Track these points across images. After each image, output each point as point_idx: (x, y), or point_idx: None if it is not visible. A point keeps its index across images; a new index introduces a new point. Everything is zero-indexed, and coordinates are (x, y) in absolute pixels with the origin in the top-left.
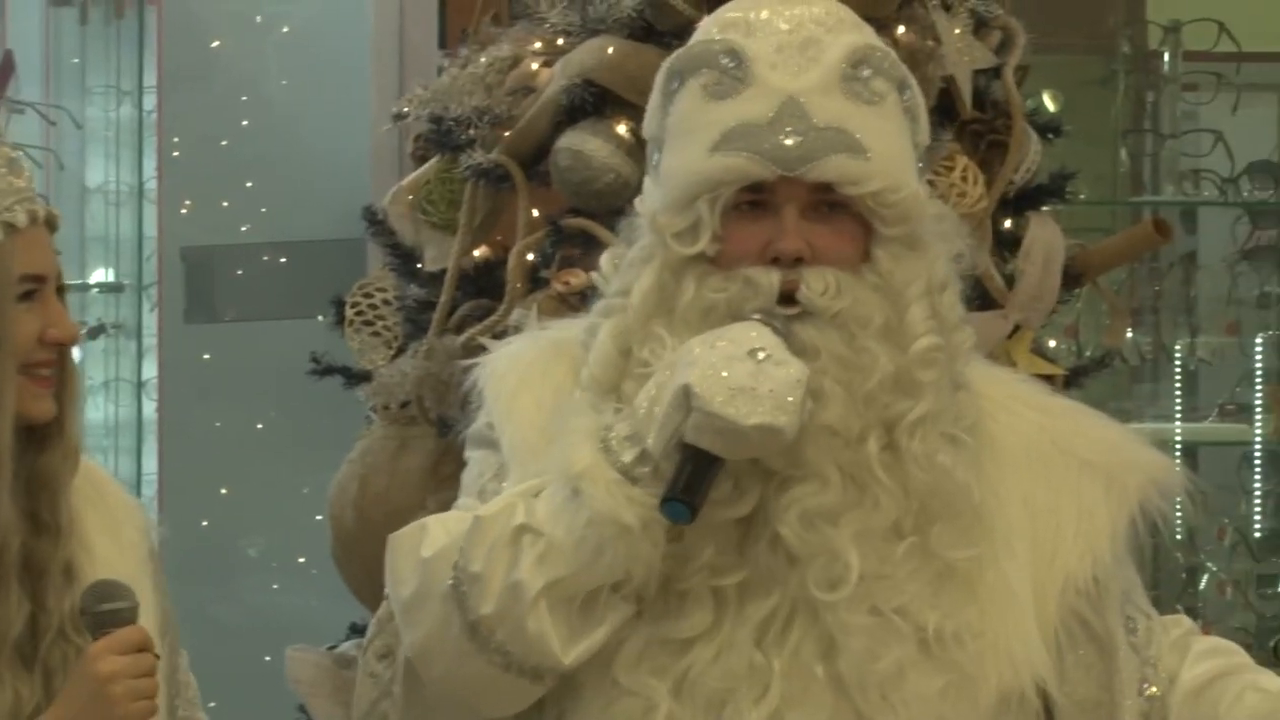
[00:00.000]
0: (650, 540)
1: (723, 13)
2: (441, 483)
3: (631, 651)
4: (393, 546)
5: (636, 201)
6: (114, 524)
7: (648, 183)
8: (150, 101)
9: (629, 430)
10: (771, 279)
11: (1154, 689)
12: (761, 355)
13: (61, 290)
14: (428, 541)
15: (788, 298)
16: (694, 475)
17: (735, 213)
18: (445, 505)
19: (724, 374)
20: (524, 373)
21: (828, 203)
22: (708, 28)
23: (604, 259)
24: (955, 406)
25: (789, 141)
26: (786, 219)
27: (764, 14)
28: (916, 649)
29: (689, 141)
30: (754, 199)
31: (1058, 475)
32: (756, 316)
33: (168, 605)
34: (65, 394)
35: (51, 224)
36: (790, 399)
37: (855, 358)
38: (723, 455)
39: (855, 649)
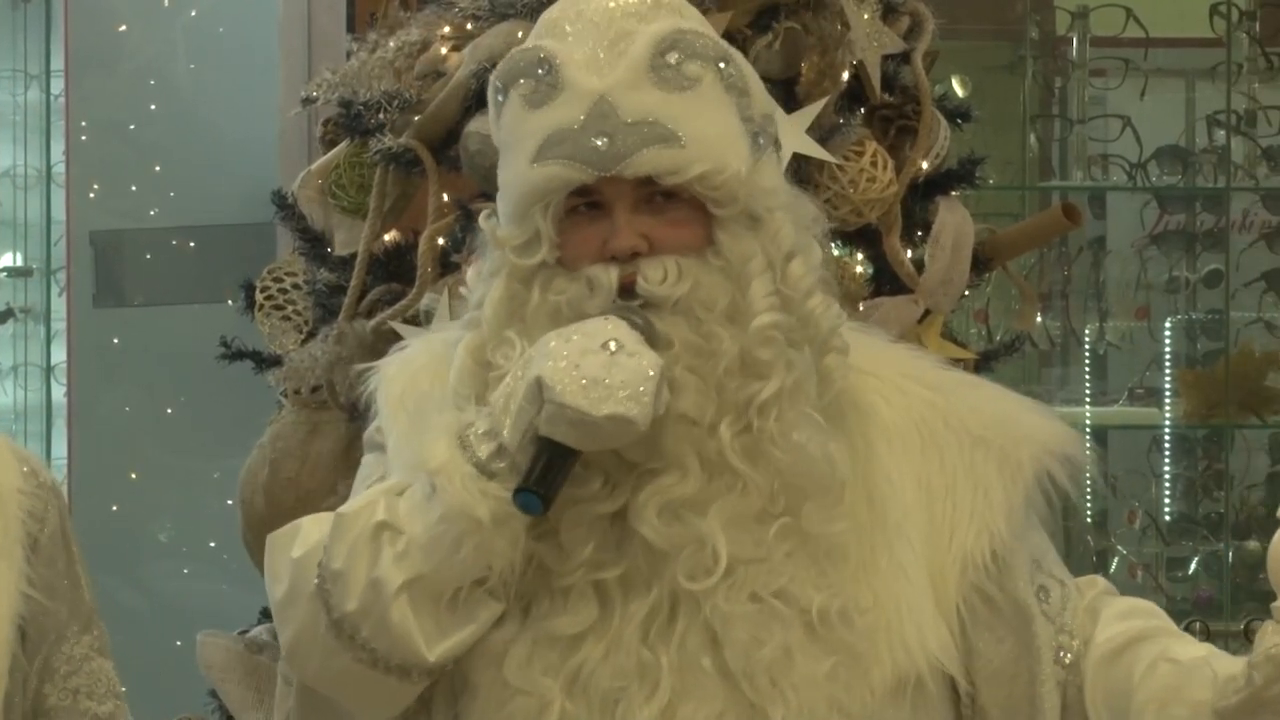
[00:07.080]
0: (507, 535)
1: (546, 14)
2: (352, 467)
3: (520, 652)
4: (270, 546)
5: (481, 216)
6: None
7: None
8: (57, 85)
9: (487, 426)
10: (610, 275)
11: (1069, 656)
12: (614, 347)
13: None
14: (299, 541)
15: (628, 291)
16: (548, 466)
17: (572, 216)
18: None
19: (577, 365)
20: (413, 377)
21: (658, 193)
22: (532, 32)
23: (470, 271)
24: (820, 375)
25: (600, 143)
26: (618, 217)
27: (580, 8)
28: (803, 632)
29: (515, 153)
30: (586, 201)
31: (951, 455)
32: (615, 311)
33: (78, 593)
34: None
35: None
36: (642, 389)
37: (704, 343)
38: (576, 447)
39: (738, 638)
